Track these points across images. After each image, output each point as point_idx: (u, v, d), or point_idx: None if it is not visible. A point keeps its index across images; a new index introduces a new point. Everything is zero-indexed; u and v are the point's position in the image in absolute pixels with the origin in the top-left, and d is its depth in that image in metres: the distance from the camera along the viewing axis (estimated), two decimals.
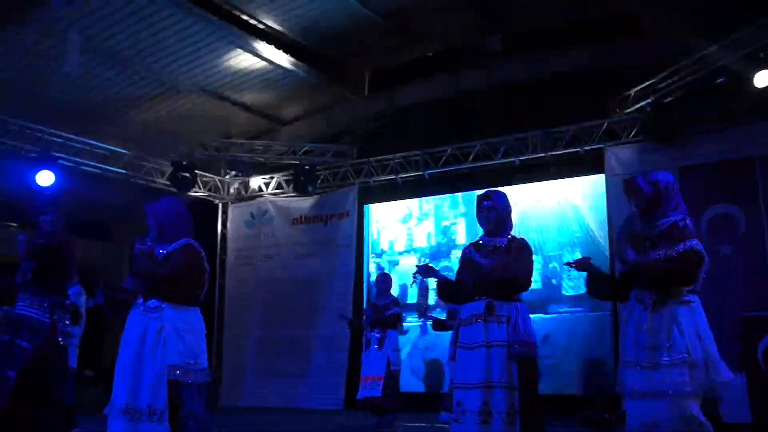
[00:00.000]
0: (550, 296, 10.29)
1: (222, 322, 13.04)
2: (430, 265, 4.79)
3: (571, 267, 4.11)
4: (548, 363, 9.91)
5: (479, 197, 4.60)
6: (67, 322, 5.14)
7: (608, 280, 4.14)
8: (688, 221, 3.74)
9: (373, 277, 11.90)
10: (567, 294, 10.18)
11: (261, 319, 12.59)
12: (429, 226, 11.66)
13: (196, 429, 4.14)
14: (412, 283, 5.03)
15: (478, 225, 4.68)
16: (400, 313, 8.60)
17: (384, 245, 12.08)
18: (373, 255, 12.14)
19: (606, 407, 7.71)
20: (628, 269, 3.82)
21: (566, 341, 10.06)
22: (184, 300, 4.29)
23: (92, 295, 6.86)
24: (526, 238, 4.59)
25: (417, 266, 4.77)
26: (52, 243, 5.15)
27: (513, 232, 4.64)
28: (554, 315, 10.21)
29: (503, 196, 4.63)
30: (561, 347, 10.03)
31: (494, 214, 4.49)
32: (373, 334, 8.33)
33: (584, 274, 4.14)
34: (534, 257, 4.59)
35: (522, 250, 4.43)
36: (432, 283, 4.83)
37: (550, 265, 10.40)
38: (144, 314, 4.23)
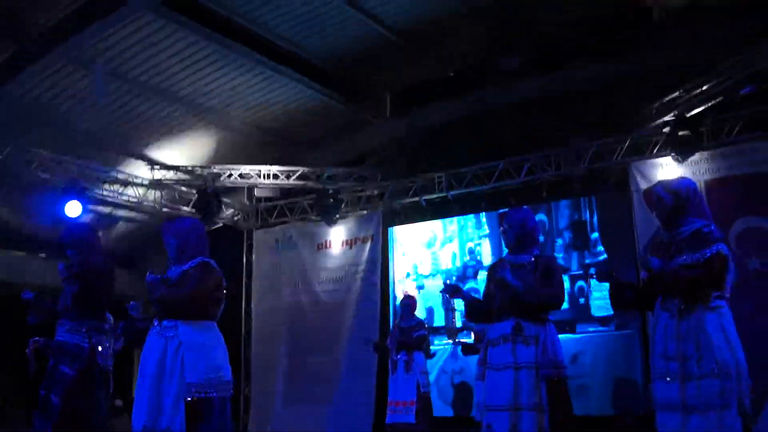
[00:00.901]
0: (578, 316, 10.15)
1: (249, 348, 13.03)
2: (456, 285, 4.75)
3: (592, 277, 4.09)
4: (577, 383, 9.77)
5: (500, 217, 4.69)
6: (107, 345, 5.15)
7: (632, 288, 4.06)
8: (712, 227, 3.68)
9: (399, 300, 11.88)
10: (595, 314, 10.04)
11: (288, 345, 12.56)
12: (454, 247, 11.60)
13: None
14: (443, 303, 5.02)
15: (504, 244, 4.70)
16: (426, 335, 8.54)
17: (409, 268, 12.02)
18: (399, 278, 12.09)
19: (637, 428, 7.56)
20: (651, 277, 3.75)
21: (595, 361, 9.90)
22: (200, 317, 4.29)
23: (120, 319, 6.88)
24: (552, 256, 4.55)
25: (444, 284, 4.75)
26: (90, 268, 5.16)
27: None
28: (582, 334, 10.05)
29: (521, 213, 4.64)
30: (590, 367, 9.87)
31: (512, 234, 4.48)
32: (399, 356, 8.26)
33: (607, 285, 4.09)
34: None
35: (549, 270, 4.37)
36: (459, 304, 4.82)
37: (577, 284, 10.27)
38: (160, 335, 4.22)
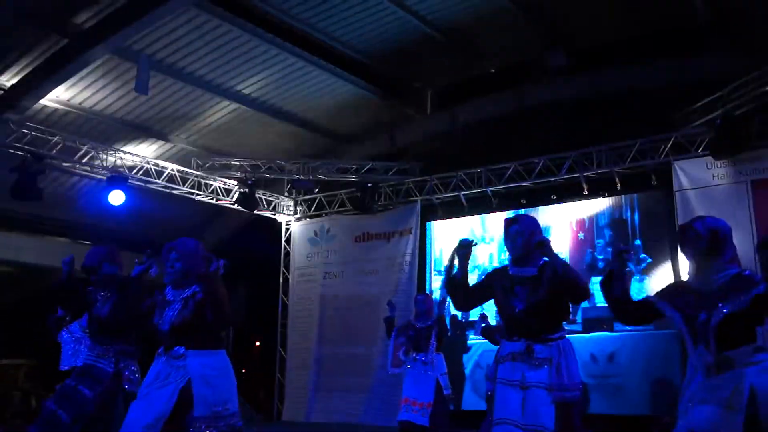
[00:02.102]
0: None
1: (285, 338, 13.18)
2: (473, 242, 4.43)
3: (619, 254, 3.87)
4: (614, 382, 9.73)
5: (506, 221, 4.35)
6: (134, 368, 5.04)
7: (627, 290, 3.78)
8: (748, 272, 3.45)
9: (436, 295, 11.88)
10: None
11: (324, 336, 12.67)
12: (492, 243, 11.57)
13: None
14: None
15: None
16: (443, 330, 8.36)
17: (446, 262, 11.99)
18: (436, 272, 12.10)
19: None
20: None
21: (632, 360, 9.81)
22: (209, 344, 4.21)
23: None
24: (558, 259, 4.14)
25: (461, 240, 4.44)
26: (118, 294, 5.02)
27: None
28: (620, 333, 9.96)
29: (533, 220, 4.38)
30: (627, 366, 9.79)
31: (521, 240, 4.19)
32: (419, 357, 8.14)
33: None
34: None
35: (561, 272, 4.08)
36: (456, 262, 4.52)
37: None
38: (167, 363, 4.16)
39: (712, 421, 3.23)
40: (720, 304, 3.36)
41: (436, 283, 11.97)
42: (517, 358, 4.06)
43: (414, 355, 8.11)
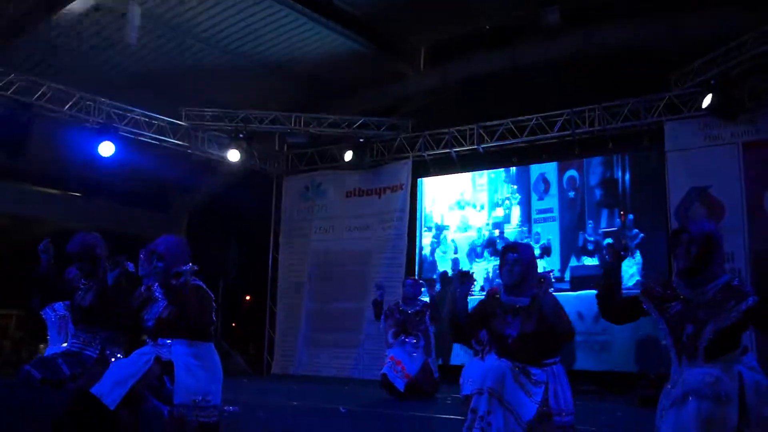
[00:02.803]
0: None
1: (275, 293, 13.23)
2: (471, 273, 4.44)
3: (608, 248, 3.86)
4: (601, 339, 9.84)
5: (504, 248, 4.35)
6: (120, 356, 5.03)
7: (616, 292, 3.73)
8: (737, 281, 3.42)
9: (426, 251, 11.95)
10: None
11: (314, 291, 12.74)
12: (483, 200, 11.58)
13: None
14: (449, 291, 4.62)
15: (501, 277, 4.34)
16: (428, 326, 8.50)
17: (437, 219, 12.05)
18: (426, 229, 12.13)
19: (660, 384, 7.58)
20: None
21: None
22: (195, 336, 4.29)
23: None
24: (549, 301, 4.09)
25: (457, 272, 4.51)
26: (101, 282, 4.98)
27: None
28: None
29: (530, 249, 4.41)
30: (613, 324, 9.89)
31: (519, 269, 4.18)
32: (408, 340, 8.29)
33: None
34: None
35: (551, 310, 4.08)
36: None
37: (605, 242, 10.24)
38: (153, 345, 4.30)
39: (709, 381, 3.24)
40: (710, 324, 3.32)
41: (426, 239, 12.02)
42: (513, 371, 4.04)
43: (402, 337, 8.27)
